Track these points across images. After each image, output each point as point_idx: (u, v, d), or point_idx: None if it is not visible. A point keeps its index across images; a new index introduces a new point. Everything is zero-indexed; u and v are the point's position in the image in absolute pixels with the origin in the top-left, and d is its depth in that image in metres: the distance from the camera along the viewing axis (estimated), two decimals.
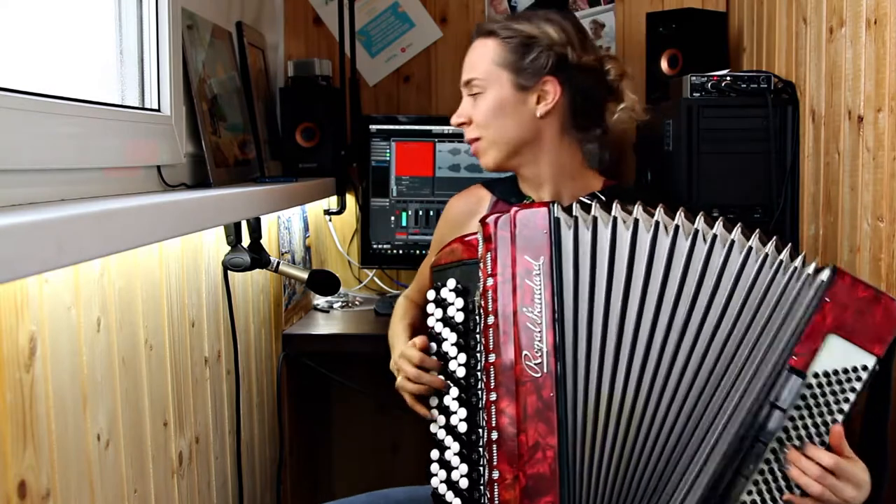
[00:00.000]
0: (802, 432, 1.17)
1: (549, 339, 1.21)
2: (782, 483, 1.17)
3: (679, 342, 1.21)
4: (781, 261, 1.21)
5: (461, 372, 1.31)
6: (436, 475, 1.31)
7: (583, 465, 1.19)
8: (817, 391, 1.16)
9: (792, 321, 1.18)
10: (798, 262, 1.21)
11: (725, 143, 1.97)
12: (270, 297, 2.07)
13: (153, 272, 1.37)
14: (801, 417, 1.17)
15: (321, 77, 2.35)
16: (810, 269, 1.21)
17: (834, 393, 1.16)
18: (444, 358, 1.34)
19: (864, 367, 1.16)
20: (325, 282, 1.92)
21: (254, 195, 1.60)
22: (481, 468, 1.26)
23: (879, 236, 1.57)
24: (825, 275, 1.19)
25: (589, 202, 1.29)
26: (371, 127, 2.38)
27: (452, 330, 1.33)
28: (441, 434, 1.32)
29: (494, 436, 1.21)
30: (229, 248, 1.71)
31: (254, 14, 2.25)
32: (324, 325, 2.24)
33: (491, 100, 1.47)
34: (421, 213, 2.38)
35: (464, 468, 1.28)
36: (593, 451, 1.20)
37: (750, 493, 1.17)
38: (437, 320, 1.35)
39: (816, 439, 1.16)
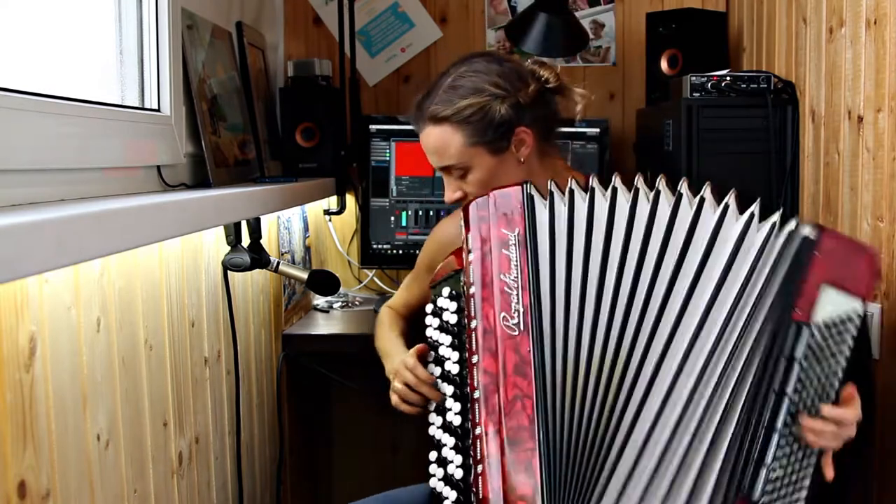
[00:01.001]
0: (814, 381, 1.21)
1: (525, 299, 1.26)
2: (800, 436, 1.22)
3: (665, 301, 1.24)
4: (775, 222, 1.25)
5: (455, 369, 1.35)
6: (434, 475, 1.34)
7: (563, 414, 1.23)
8: (821, 341, 1.21)
9: (785, 276, 1.22)
10: (776, 218, 1.25)
11: (725, 143, 1.97)
12: (270, 297, 2.07)
13: (153, 272, 1.37)
14: (811, 367, 1.21)
15: (321, 77, 2.35)
16: (791, 225, 1.25)
17: (834, 339, 1.21)
18: (440, 362, 1.37)
19: (857, 312, 1.22)
20: (325, 282, 1.92)
21: (254, 195, 1.60)
22: (469, 431, 1.28)
23: (879, 236, 1.57)
24: (810, 231, 1.23)
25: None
26: (371, 127, 2.38)
27: (448, 333, 1.37)
28: (438, 434, 1.35)
29: (477, 395, 1.26)
30: (229, 248, 1.71)
31: (254, 14, 2.25)
32: (324, 325, 2.24)
33: (478, 175, 1.49)
34: (421, 213, 2.38)
35: (458, 459, 1.31)
36: (573, 401, 1.23)
37: (781, 446, 1.20)
38: (435, 329, 1.40)
39: (825, 383, 1.21)
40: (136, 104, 1.53)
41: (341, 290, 2.28)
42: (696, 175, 1.97)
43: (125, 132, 1.39)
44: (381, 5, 2.60)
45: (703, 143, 1.97)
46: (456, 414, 1.32)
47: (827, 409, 1.20)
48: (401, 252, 2.39)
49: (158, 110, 1.56)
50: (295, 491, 2.28)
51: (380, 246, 2.40)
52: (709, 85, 1.98)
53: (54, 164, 1.19)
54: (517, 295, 1.26)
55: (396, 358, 1.51)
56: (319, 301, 2.47)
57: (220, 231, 1.70)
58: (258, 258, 1.74)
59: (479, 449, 1.23)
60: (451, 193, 1.53)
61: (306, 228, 2.42)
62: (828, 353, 1.21)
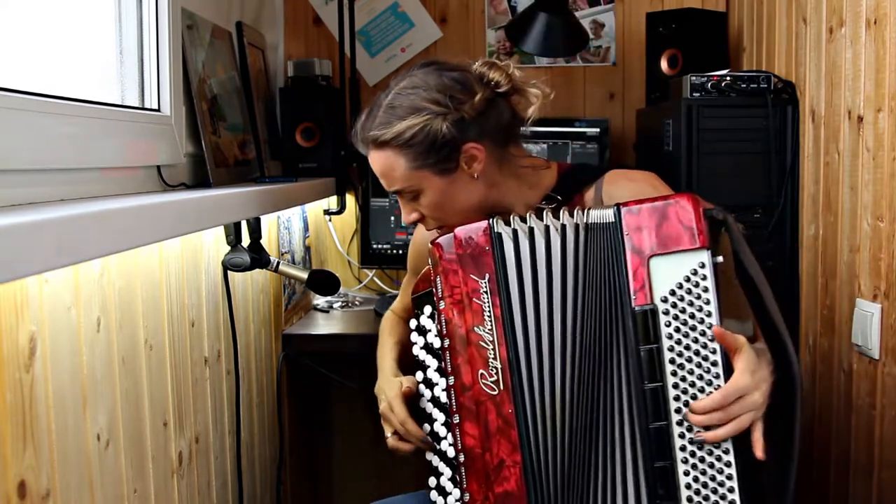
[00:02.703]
0: (690, 353, 1.15)
1: (502, 355, 1.22)
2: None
3: (566, 330, 1.22)
4: (577, 224, 1.22)
5: (444, 397, 1.30)
6: (435, 502, 1.32)
7: (549, 475, 1.21)
8: (675, 311, 1.16)
9: (606, 270, 1.20)
10: (578, 219, 1.23)
11: (725, 143, 1.97)
12: (270, 297, 2.07)
13: (153, 272, 1.37)
14: (679, 342, 1.15)
15: (321, 77, 2.35)
16: (593, 217, 1.22)
17: (691, 303, 1.15)
18: (429, 384, 1.34)
19: (702, 265, 1.15)
20: (325, 282, 1.92)
21: (254, 195, 1.60)
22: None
23: (879, 236, 1.57)
24: (610, 215, 1.20)
25: (544, 207, 1.29)
26: None
27: (434, 356, 1.33)
28: (435, 460, 1.33)
29: (462, 458, 1.24)
30: (229, 248, 1.71)
31: (254, 14, 2.25)
32: (324, 325, 2.24)
33: (430, 197, 1.39)
34: None
35: (457, 493, 1.29)
36: (555, 459, 1.21)
37: (682, 435, 1.15)
38: (420, 348, 1.36)
39: (704, 348, 1.15)
40: (136, 104, 1.53)
41: (341, 290, 2.28)
42: (696, 175, 1.97)
43: (125, 132, 1.39)
44: (381, 5, 2.60)
45: (703, 143, 1.97)
46: (450, 445, 1.29)
47: (701, 403, 1.13)
48: (401, 252, 2.39)
49: (158, 110, 1.56)
50: (295, 491, 2.28)
51: (380, 246, 2.40)
52: (709, 85, 1.98)
53: (54, 164, 1.19)
54: (493, 350, 1.22)
55: (383, 378, 1.49)
56: (319, 301, 2.47)
57: (220, 231, 1.70)
58: (258, 258, 1.74)
59: None
60: (406, 216, 1.44)
61: (306, 228, 2.42)
62: (688, 318, 1.15)
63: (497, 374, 1.22)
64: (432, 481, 1.33)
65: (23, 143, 1.10)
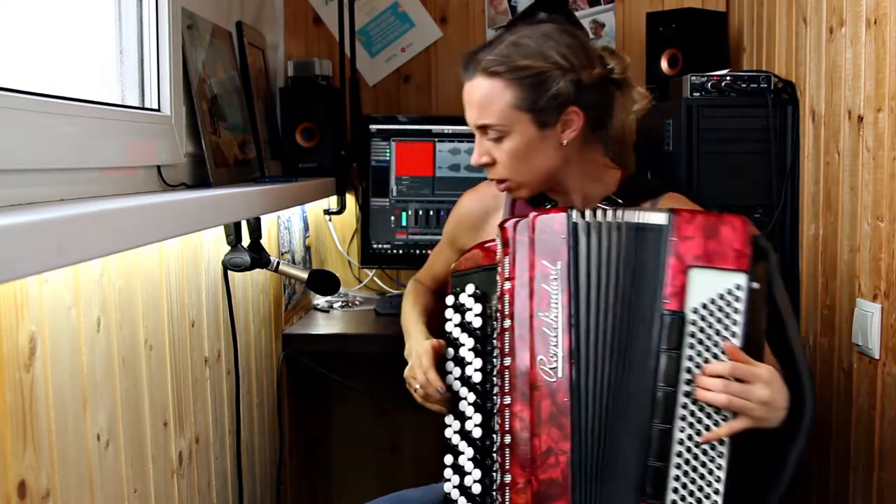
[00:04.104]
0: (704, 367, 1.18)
1: (566, 343, 1.22)
2: (704, 424, 1.18)
3: (606, 325, 1.24)
4: (607, 224, 1.25)
5: (477, 377, 1.30)
6: (449, 480, 1.32)
7: (597, 470, 1.20)
8: (702, 324, 1.17)
9: (644, 270, 1.21)
10: (611, 217, 1.25)
11: (725, 143, 1.97)
12: (270, 297, 2.07)
13: (153, 272, 1.37)
14: (699, 354, 1.17)
15: (321, 77, 2.35)
16: (641, 217, 1.23)
17: (720, 320, 1.17)
18: (461, 363, 1.34)
19: (738, 287, 1.17)
20: (325, 282, 1.92)
21: (254, 195, 1.60)
22: (494, 473, 1.26)
23: (879, 236, 1.57)
24: (662, 218, 1.21)
25: (605, 207, 1.30)
26: (371, 127, 2.38)
27: (470, 335, 1.33)
28: (455, 439, 1.32)
29: (507, 440, 1.23)
30: (229, 248, 1.71)
31: (254, 14, 2.25)
32: (324, 325, 2.24)
33: (515, 144, 1.38)
34: (421, 213, 2.38)
35: (477, 473, 1.29)
36: (597, 450, 1.21)
37: (681, 442, 1.17)
38: (455, 325, 1.35)
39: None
40: (136, 104, 1.53)
41: (341, 290, 2.28)
42: (696, 175, 1.97)
43: (125, 132, 1.39)
44: (381, 5, 2.60)
45: (703, 143, 1.97)
46: (476, 425, 1.29)
47: (710, 366, 1.16)
48: (401, 252, 2.39)
49: (158, 110, 1.56)
50: (295, 491, 2.28)
51: (380, 246, 2.40)
52: (709, 85, 1.98)
53: (54, 164, 1.19)
54: (556, 338, 1.22)
55: (413, 340, 1.48)
56: (319, 301, 2.47)
57: (220, 231, 1.70)
58: (258, 258, 1.74)
59: (507, 497, 1.22)
60: (478, 156, 1.42)
61: (306, 228, 2.42)
62: (713, 335, 1.17)
63: (557, 361, 1.22)
64: (448, 459, 1.32)
65: (23, 143, 1.10)
